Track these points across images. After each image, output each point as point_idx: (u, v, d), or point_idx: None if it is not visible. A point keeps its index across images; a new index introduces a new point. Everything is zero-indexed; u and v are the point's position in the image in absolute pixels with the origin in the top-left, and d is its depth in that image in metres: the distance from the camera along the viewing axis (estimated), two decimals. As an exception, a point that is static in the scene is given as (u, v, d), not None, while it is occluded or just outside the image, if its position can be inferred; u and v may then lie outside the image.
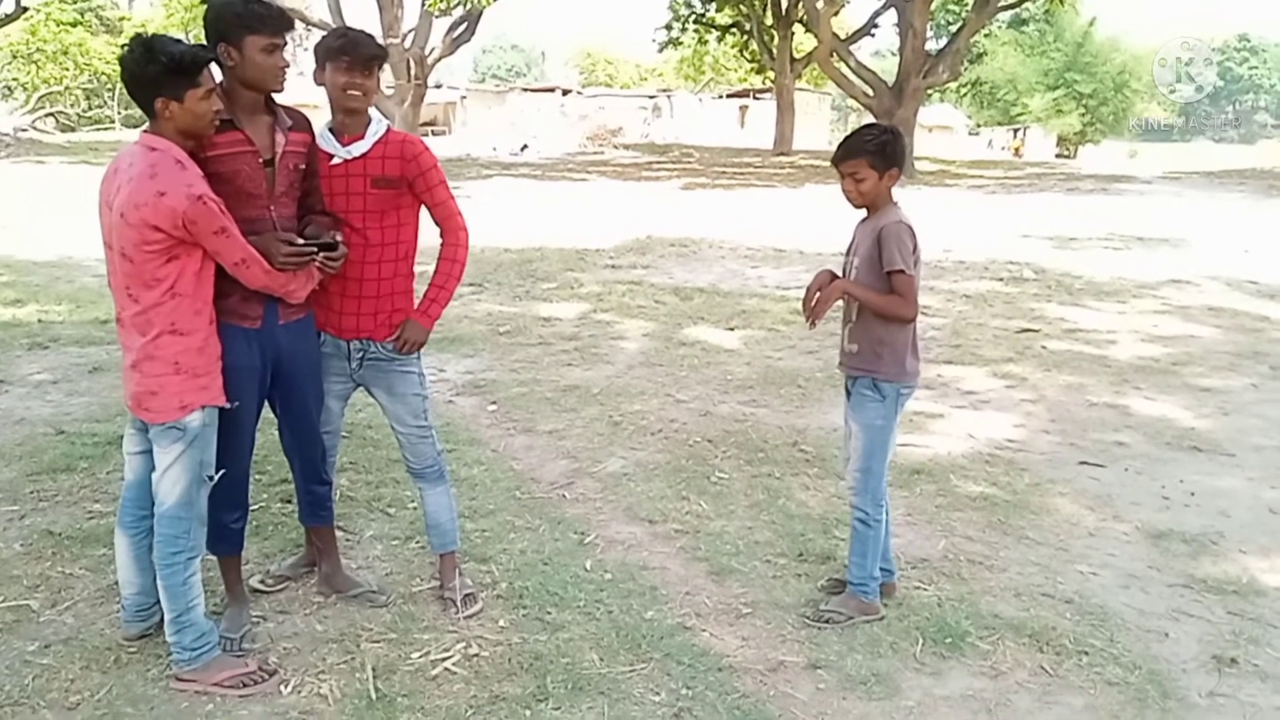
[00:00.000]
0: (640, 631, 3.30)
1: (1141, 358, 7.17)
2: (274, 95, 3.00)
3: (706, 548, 3.95)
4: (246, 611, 3.29)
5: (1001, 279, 10.49)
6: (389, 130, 3.21)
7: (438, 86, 39.70)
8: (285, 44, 2.92)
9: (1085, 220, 16.11)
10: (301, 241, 2.96)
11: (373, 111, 3.21)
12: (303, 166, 3.07)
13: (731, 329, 7.92)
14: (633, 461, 4.93)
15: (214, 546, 3.15)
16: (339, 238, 3.06)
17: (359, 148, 3.15)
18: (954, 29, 29.82)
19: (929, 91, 29.73)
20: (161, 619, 3.02)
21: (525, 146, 35.04)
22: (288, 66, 2.95)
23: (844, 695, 2.99)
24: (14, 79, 41.02)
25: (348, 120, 3.15)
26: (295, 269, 2.96)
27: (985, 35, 40.34)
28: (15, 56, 40.70)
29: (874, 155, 3.19)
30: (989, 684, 3.07)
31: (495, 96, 47.13)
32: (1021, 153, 46.56)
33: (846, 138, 3.28)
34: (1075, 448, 5.25)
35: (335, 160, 3.15)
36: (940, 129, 48.35)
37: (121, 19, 43.22)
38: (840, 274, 3.41)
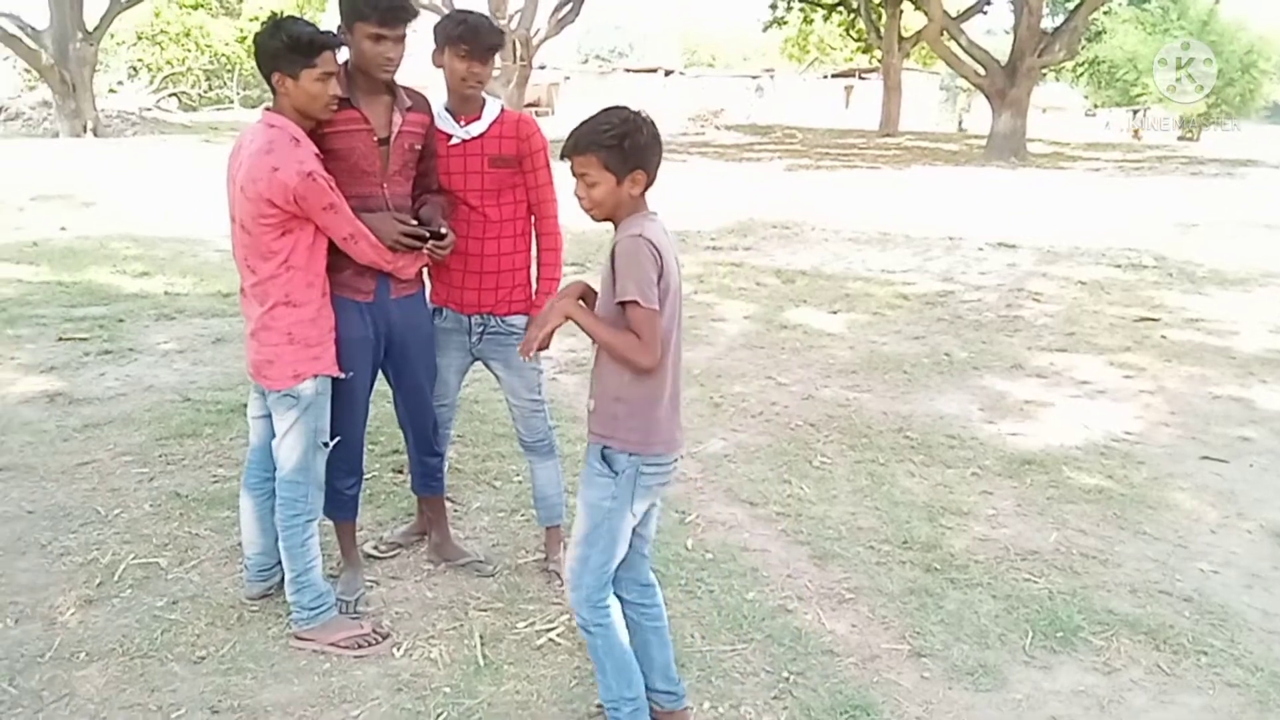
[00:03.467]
0: (741, 612, 3.31)
1: (1269, 349, 6.84)
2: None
3: (808, 531, 3.93)
4: (360, 576, 3.42)
5: (1119, 265, 10.11)
6: (504, 110, 3.27)
7: (541, 67, 40.02)
8: (396, 35, 2.96)
9: (1209, 205, 15.39)
10: (415, 223, 3.04)
11: (485, 92, 3.27)
12: (418, 147, 3.14)
13: (835, 312, 7.82)
14: (733, 443, 4.92)
15: (330, 511, 3.26)
16: (444, 229, 3.11)
17: (477, 128, 3.22)
18: (1071, 6, 28.69)
19: (1044, 71, 28.71)
20: (282, 579, 3.15)
21: (627, 127, 35.05)
22: (395, 58, 2.99)
23: (949, 685, 2.95)
24: (139, 60, 42.72)
25: (466, 102, 3.22)
26: (406, 250, 3.04)
27: (1105, 12, 38.65)
28: (141, 38, 42.41)
29: (608, 152, 2.34)
30: (1102, 680, 2.99)
31: (598, 77, 47.32)
32: (1141, 135, 44.67)
33: (578, 126, 2.41)
34: (1197, 441, 5.05)
35: (454, 140, 3.23)
36: (1054, 109, 46.73)
37: (240, 2, 44.60)
38: None
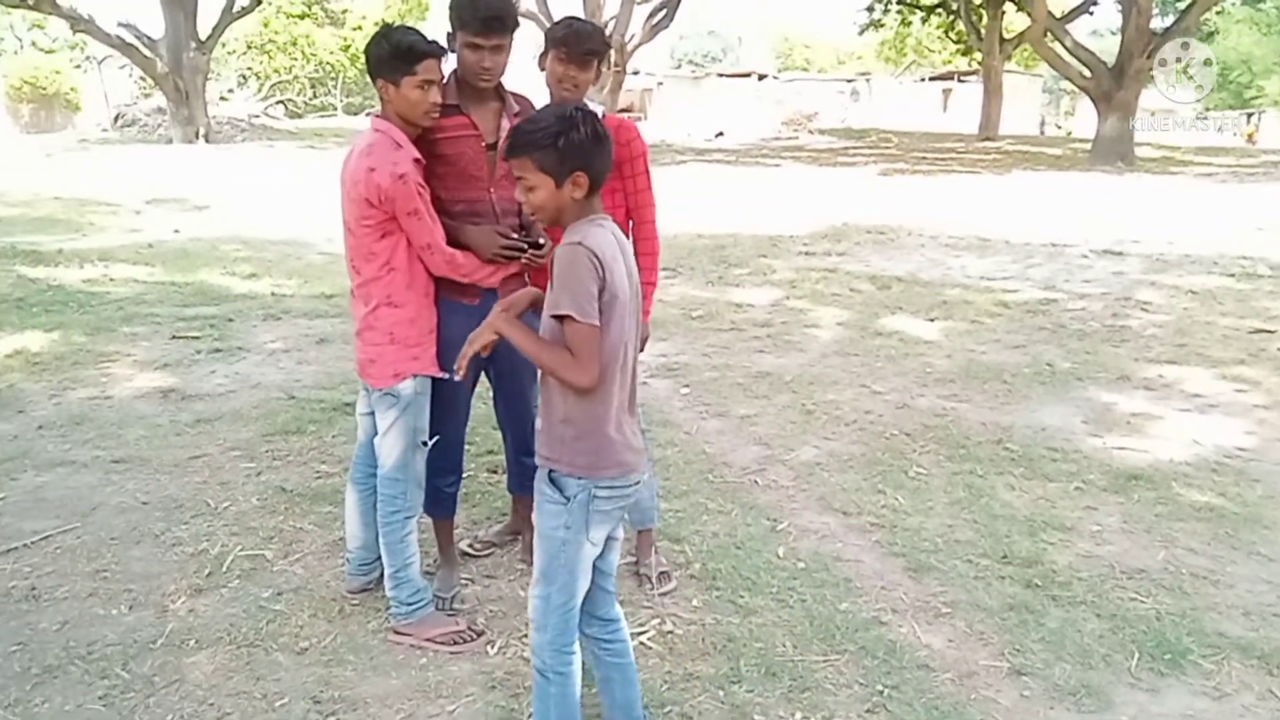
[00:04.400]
0: (834, 622, 3.27)
1: (1398, 365, 6.47)
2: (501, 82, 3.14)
3: (903, 543, 3.86)
4: (457, 573, 3.49)
5: (1233, 274, 9.69)
6: (605, 116, 3.29)
7: (635, 73, 40.22)
8: (491, 45, 3.02)
9: (1332, 212, 14.66)
10: (516, 237, 3.10)
11: (586, 99, 3.30)
12: None
13: (931, 320, 7.68)
14: (826, 451, 4.86)
15: (429, 509, 3.33)
16: (542, 239, 3.13)
17: None
18: (1182, 6, 27.63)
19: (1152, 73, 27.71)
20: (382, 574, 3.23)
21: (720, 133, 35.03)
22: (491, 66, 3.05)
23: (1050, 705, 2.86)
24: (249, 68, 44.34)
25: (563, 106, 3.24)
26: (506, 262, 3.10)
27: (1217, 12, 37.06)
28: (250, 47, 44.00)
29: (543, 153, 2.18)
30: (1211, 705, 2.87)
31: (691, 82, 47.32)
32: (1256, 139, 42.75)
33: (516, 126, 2.29)
34: (1317, 460, 4.81)
35: None
36: (1164, 112, 45.07)
37: (344, 11, 45.90)
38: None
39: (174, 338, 6.69)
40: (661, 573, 3.53)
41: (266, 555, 3.67)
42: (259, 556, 3.67)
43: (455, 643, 3.10)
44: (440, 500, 3.38)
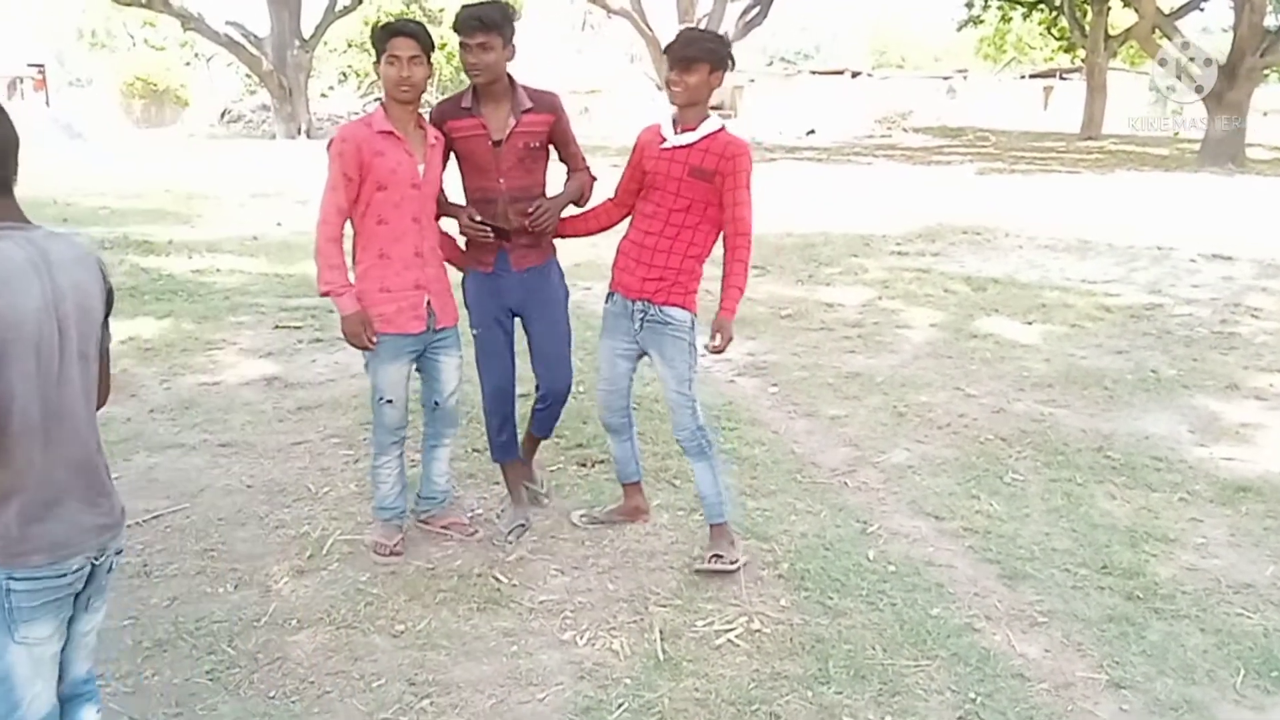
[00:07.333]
0: (925, 627, 3.22)
1: None
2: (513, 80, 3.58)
3: (998, 550, 3.79)
4: (521, 511, 3.93)
5: (1352, 281, 9.25)
6: (721, 130, 3.43)
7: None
8: (475, 42, 3.40)
9: None
10: (479, 219, 3.54)
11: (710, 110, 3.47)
12: (535, 144, 3.59)
13: (1029, 323, 7.49)
14: (918, 454, 4.79)
15: (493, 455, 3.92)
16: (502, 226, 3.58)
17: (686, 138, 3.41)
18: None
19: (1266, 72, 26.54)
20: (435, 510, 3.89)
21: (812, 131, 34.68)
22: (476, 62, 3.42)
23: (1151, 721, 2.78)
24: (349, 66, 45.37)
25: (682, 112, 3.43)
26: (473, 238, 3.59)
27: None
28: (350, 45, 44.99)
29: None
30: (1325, 730, 2.75)
31: (782, 79, 46.93)
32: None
33: None
34: None
35: (665, 145, 3.44)
36: (1276, 113, 43.06)
37: (440, 10, 46.74)
38: None
39: (277, 327, 6.92)
40: (714, 555, 3.57)
41: (364, 540, 3.77)
42: (356, 541, 3.78)
43: (376, 551, 3.63)
44: (496, 446, 3.88)
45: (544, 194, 3.64)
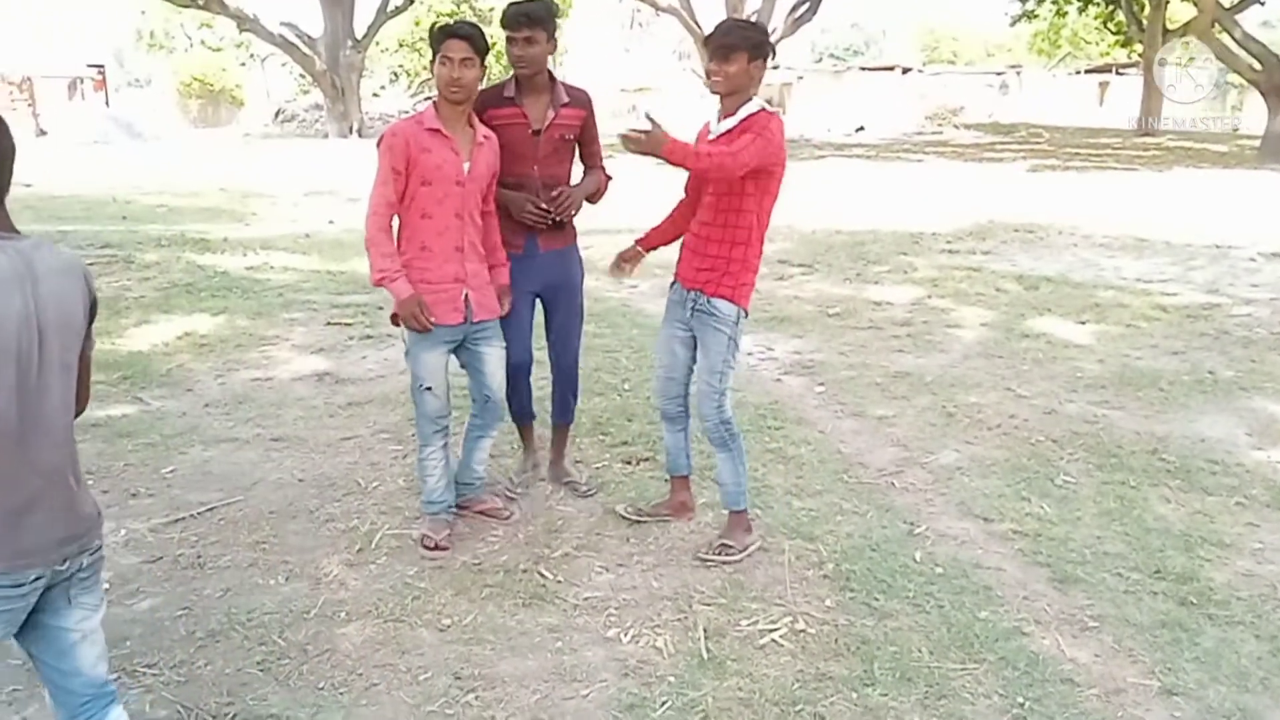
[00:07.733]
0: (973, 630, 3.19)
1: None
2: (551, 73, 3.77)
3: (1048, 553, 3.73)
4: (529, 462, 4.33)
5: None
6: (759, 111, 3.41)
7: (775, 67, 39.80)
8: (521, 37, 3.61)
9: None
10: (545, 206, 3.76)
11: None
12: (570, 136, 3.83)
13: (1083, 322, 7.36)
14: (967, 455, 4.74)
15: (514, 418, 4.19)
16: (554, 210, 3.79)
17: (727, 124, 3.44)
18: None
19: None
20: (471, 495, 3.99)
21: (861, 128, 34.39)
22: (522, 55, 3.65)
23: (1205, 729, 2.73)
24: (400, 66, 45.82)
25: (724, 101, 3.46)
26: (533, 222, 3.78)
27: None
28: (402, 45, 45.47)
29: None
30: (1388, 744, 2.68)
31: (831, 76, 46.59)
32: None
33: None
34: None
35: (711, 136, 3.49)
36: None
37: (490, 10, 47.03)
38: None
39: (329, 324, 7.02)
40: (721, 544, 3.69)
41: (412, 534, 3.82)
42: (404, 535, 3.82)
43: (424, 545, 3.69)
44: (514, 410, 4.14)
45: (569, 184, 3.92)
